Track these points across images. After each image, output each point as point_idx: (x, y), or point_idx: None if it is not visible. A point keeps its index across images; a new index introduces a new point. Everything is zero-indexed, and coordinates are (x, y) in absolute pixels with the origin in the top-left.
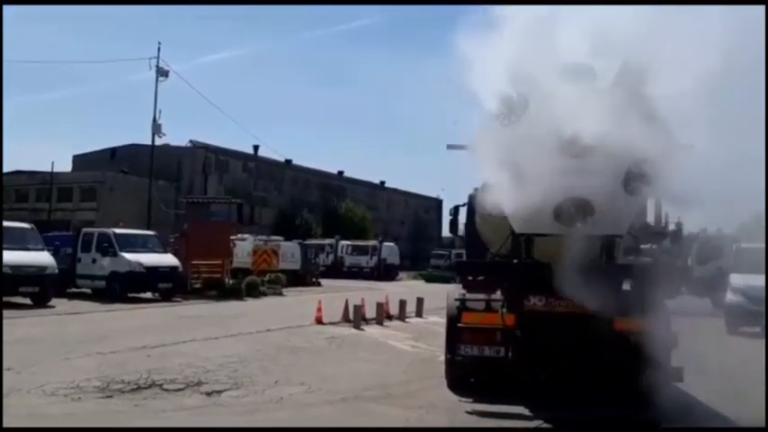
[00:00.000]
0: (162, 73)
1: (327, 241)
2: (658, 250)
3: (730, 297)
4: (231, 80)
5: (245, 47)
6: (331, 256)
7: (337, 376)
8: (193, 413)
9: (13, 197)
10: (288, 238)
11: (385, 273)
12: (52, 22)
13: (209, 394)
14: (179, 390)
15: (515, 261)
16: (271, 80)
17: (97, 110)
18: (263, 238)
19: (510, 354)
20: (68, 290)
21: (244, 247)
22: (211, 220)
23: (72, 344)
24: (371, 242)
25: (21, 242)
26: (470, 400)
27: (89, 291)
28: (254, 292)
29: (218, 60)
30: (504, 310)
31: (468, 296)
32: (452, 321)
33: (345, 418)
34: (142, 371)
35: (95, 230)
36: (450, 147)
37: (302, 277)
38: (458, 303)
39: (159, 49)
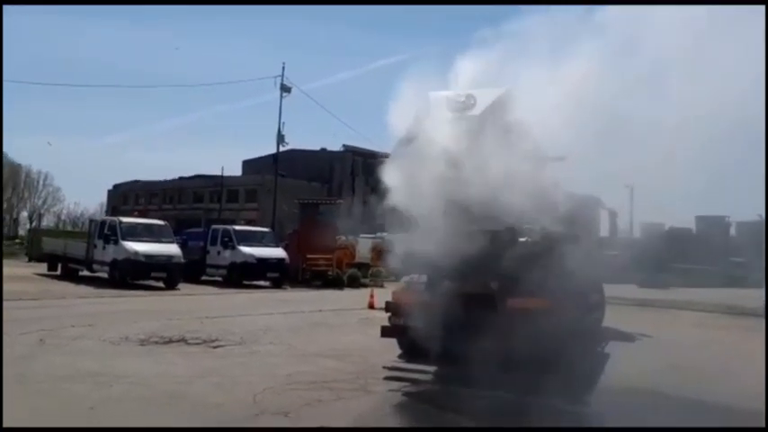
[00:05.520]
0: (285, 89)
1: None
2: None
3: None
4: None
5: (393, 56)
6: None
7: (324, 342)
8: (183, 354)
9: (191, 198)
10: None
11: None
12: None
13: (214, 347)
14: (196, 344)
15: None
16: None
17: (268, 119)
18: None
19: (422, 325)
20: (201, 277)
21: (365, 244)
22: (318, 218)
23: (156, 313)
24: None
25: (156, 236)
26: (402, 361)
27: (220, 278)
28: (354, 283)
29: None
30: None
31: (415, 278)
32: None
33: (286, 362)
34: (183, 331)
35: (220, 227)
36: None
37: None
38: (404, 284)
39: (284, 68)
